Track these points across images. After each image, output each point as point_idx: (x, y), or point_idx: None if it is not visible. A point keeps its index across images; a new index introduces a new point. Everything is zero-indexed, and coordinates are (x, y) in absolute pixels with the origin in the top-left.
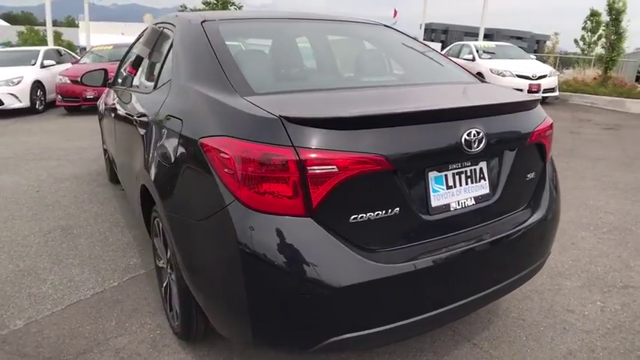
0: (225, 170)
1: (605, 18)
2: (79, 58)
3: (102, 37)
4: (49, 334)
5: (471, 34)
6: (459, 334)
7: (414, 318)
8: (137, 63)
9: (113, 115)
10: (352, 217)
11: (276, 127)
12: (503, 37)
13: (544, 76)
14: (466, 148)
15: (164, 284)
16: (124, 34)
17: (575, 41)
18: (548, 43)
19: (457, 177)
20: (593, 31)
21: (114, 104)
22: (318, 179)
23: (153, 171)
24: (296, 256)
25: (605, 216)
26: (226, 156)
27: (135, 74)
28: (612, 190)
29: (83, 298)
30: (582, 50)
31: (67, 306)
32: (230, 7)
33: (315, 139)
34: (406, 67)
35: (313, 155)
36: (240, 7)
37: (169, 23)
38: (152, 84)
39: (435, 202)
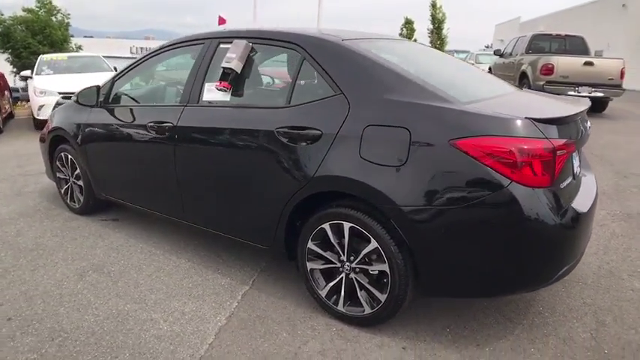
0: (500, 160)
1: (421, 25)
2: None
3: None
4: None
5: None
6: None
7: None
8: (230, 79)
9: (166, 135)
10: (561, 185)
11: (530, 126)
12: None
13: None
14: (585, 137)
15: (331, 283)
16: None
17: None
18: None
19: (576, 156)
20: (409, 37)
21: (171, 124)
22: (559, 160)
23: (371, 177)
24: (553, 214)
25: None
26: (503, 149)
27: (229, 89)
28: None
29: (221, 324)
30: None
31: (217, 334)
32: (56, 15)
33: (552, 132)
34: (483, 79)
35: (559, 143)
36: (67, 15)
37: (285, 41)
38: (281, 99)
39: (576, 173)
